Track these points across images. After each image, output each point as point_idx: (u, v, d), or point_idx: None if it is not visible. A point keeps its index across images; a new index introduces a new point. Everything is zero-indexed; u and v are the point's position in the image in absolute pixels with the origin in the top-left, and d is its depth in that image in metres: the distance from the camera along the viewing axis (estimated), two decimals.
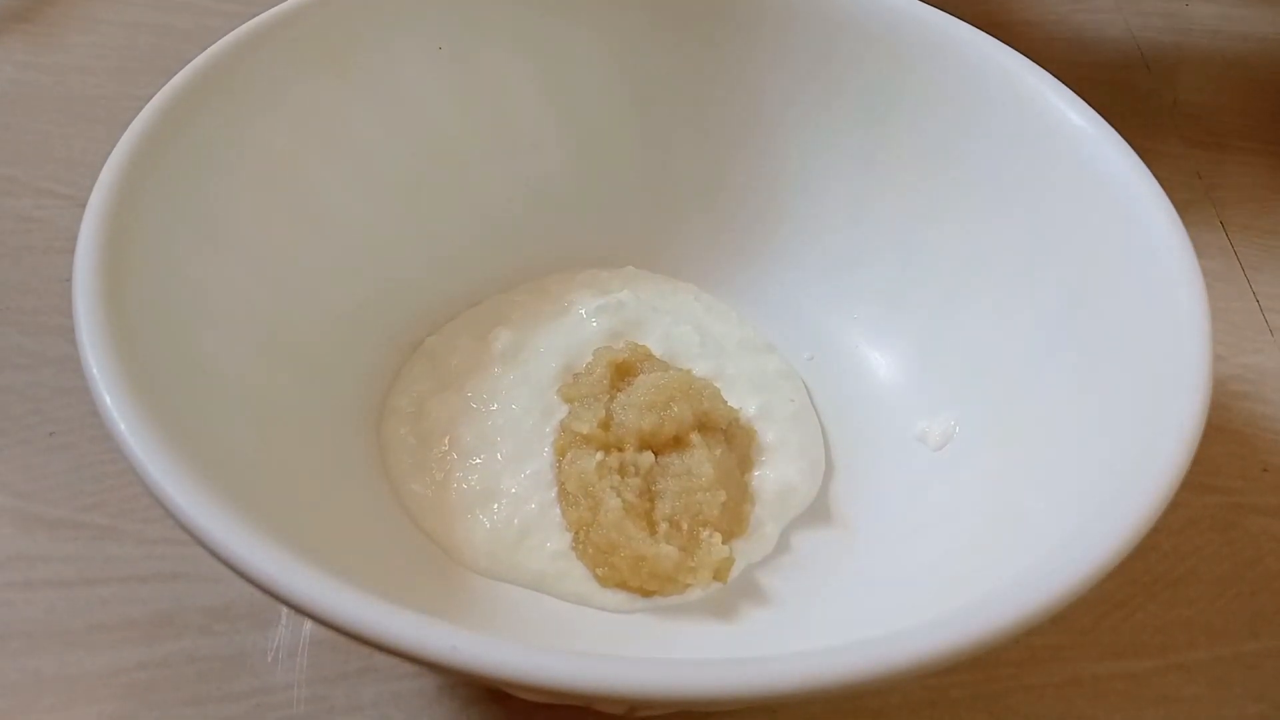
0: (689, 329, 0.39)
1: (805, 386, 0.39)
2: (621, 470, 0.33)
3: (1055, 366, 0.31)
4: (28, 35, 0.53)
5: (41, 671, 0.31)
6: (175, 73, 0.31)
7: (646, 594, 0.32)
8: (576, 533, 0.33)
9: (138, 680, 0.31)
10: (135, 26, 0.54)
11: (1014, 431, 0.32)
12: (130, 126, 0.29)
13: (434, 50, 0.37)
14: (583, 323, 0.38)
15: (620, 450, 0.34)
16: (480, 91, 0.38)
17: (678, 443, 0.34)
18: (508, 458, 0.34)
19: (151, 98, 0.30)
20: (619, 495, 0.32)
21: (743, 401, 0.37)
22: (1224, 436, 0.41)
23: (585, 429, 0.34)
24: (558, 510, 0.33)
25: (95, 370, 0.23)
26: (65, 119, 0.49)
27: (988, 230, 0.35)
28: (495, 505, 0.33)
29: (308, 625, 0.33)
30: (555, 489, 0.34)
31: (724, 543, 0.33)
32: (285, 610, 0.33)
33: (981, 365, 0.35)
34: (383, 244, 0.37)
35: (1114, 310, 0.30)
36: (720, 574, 0.33)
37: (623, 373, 0.36)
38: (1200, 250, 0.48)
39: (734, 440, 0.35)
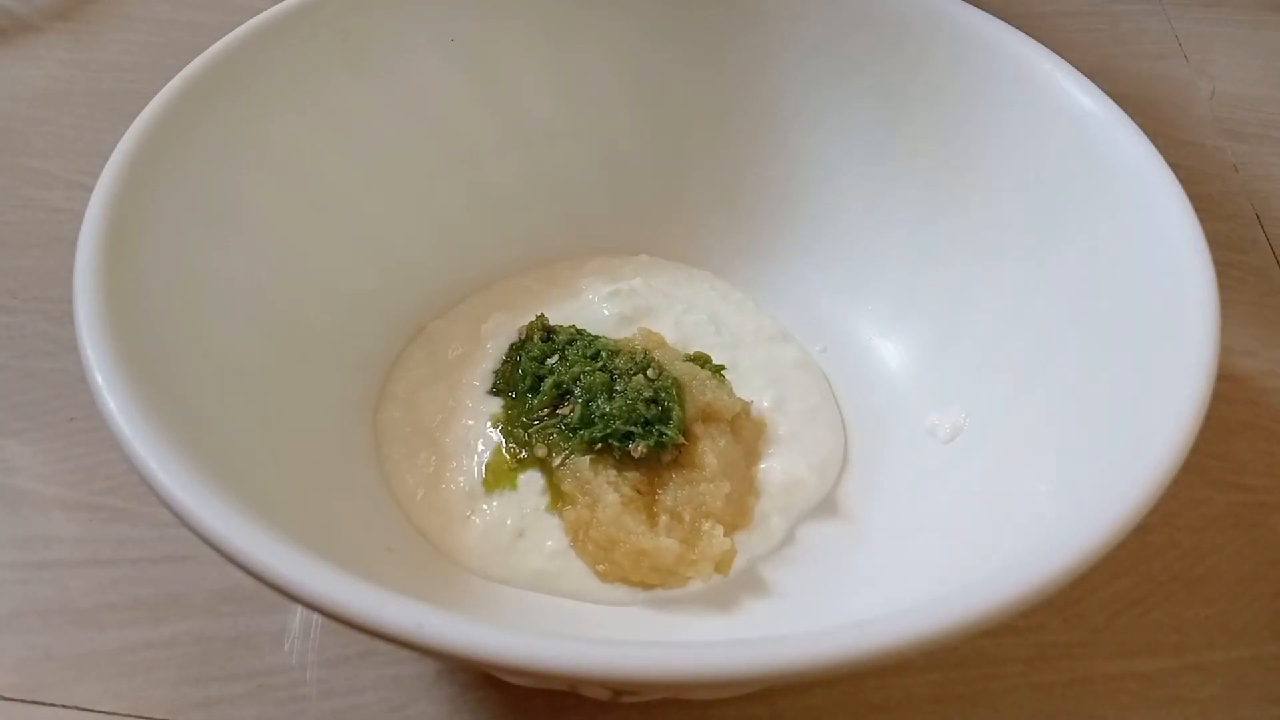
0: (703, 317, 0.39)
1: (826, 378, 0.38)
2: (618, 465, 0.33)
3: (1065, 355, 0.31)
4: (68, 33, 0.54)
5: (52, 649, 0.32)
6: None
7: (647, 587, 0.32)
8: (575, 531, 0.32)
9: (144, 659, 0.32)
10: (168, 23, 0.55)
11: (1022, 421, 0.32)
12: (140, 116, 0.30)
13: (447, 43, 0.37)
14: (593, 307, 0.38)
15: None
16: (492, 83, 0.38)
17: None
18: (483, 462, 0.34)
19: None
20: (616, 490, 0.32)
21: (757, 393, 0.37)
22: (1252, 433, 0.40)
23: (541, 452, 0.34)
24: (554, 511, 0.33)
25: (90, 351, 0.24)
26: (99, 114, 0.50)
27: (1001, 218, 0.34)
28: (485, 506, 0.33)
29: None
30: (548, 494, 0.33)
31: (726, 535, 0.32)
32: None
33: (993, 356, 0.34)
34: (391, 230, 0.37)
35: (1124, 297, 0.29)
36: (722, 566, 0.32)
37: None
38: (1234, 244, 0.49)
39: (741, 432, 0.35)
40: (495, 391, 0.36)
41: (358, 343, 0.36)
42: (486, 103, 0.38)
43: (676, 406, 0.34)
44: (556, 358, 0.36)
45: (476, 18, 0.37)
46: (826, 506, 0.35)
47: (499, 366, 0.37)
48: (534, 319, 0.37)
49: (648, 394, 0.33)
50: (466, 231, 0.39)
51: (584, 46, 0.39)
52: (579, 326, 0.37)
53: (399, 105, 0.37)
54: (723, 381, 0.36)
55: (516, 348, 0.37)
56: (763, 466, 0.35)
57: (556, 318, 0.38)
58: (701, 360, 0.37)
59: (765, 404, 0.37)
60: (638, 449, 0.33)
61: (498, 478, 0.34)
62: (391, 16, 0.36)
